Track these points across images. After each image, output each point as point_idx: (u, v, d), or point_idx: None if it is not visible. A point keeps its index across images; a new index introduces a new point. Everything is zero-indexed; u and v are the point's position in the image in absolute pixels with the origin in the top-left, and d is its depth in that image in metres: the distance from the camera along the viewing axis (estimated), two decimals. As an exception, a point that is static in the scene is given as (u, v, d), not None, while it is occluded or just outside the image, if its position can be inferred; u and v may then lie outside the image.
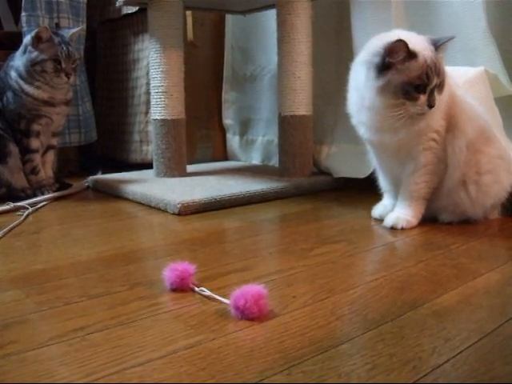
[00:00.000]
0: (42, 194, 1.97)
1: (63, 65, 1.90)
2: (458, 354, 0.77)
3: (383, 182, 1.63)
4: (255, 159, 2.66)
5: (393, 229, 1.49)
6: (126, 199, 1.94)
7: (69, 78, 1.93)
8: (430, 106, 1.37)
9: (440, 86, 1.38)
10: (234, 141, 2.77)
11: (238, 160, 2.74)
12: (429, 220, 1.53)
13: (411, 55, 1.34)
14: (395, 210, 1.54)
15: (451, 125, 1.46)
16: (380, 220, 1.57)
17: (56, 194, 2.00)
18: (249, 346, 0.80)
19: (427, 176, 1.48)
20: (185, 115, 2.15)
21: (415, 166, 1.48)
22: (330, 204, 1.84)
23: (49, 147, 2.08)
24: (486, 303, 0.96)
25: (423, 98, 1.36)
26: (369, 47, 1.43)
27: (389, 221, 1.51)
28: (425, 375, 0.71)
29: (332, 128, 2.25)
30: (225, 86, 2.76)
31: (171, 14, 2.05)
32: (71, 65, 1.93)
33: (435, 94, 1.37)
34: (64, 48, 1.90)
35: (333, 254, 1.27)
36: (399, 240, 1.40)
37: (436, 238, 1.41)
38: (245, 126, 2.71)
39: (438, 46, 1.39)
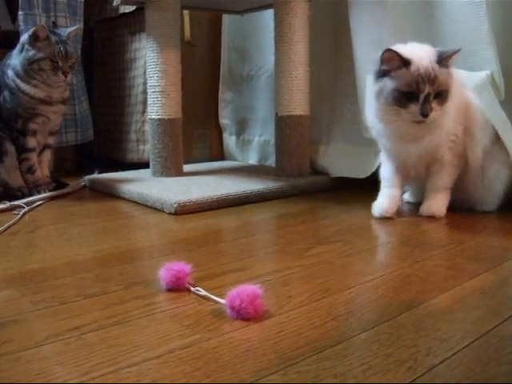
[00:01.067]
0: (39, 193, 1.97)
1: (60, 63, 1.90)
2: (454, 354, 0.77)
3: (392, 175, 1.66)
4: (252, 159, 2.66)
5: (431, 217, 1.59)
6: (123, 198, 1.94)
7: (66, 77, 1.93)
8: (423, 114, 1.41)
9: (440, 97, 1.43)
10: (230, 140, 2.77)
11: (235, 160, 2.74)
12: (425, 220, 1.54)
13: (405, 63, 1.41)
14: (428, 201, 1.63)
15: (467, 130, 1.55)
16: (380, 219, 1.59)
17: (52, 193, 1.99)
18: (244, 346, 0.80)
19: (450, 170, 1.60)
20: (181, 115, 2.15)
21: (441, 164, 1.59)
22: (326, 204, 1.85)
23: (45, 146, 2.07)
24: (481, 304, 0.96)
25: (414, 106, 1.42)
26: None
27: (426, 210, 1.61)
28: (420, 376, 0.71)
29: (329, 128, 2.25)
30: (221, 86, 2.76)
31: (168, 13, 2.06)
32: (68, 63, 1.93)
33: (431, 103, 1.42)
34: (61, 47, 1.90)
35: (329, 254, 1.27)
36: (395, 240, 1.40)
37: (432, 238, 1.41)
38: (241, 126, 2.71)
39: (442, 58, 1.43)
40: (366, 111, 1.61)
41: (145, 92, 2.41)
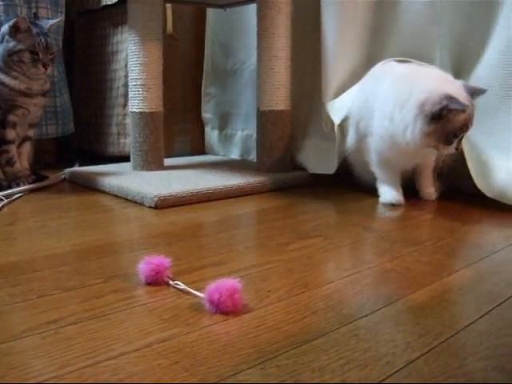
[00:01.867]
0: (18, 185, 1.95)
1: (41, 56, 1.88)
2: (431, 349, 0.77)
3: (388, 176, 1.76)
4: (234, 153, 2.65)
5: (417, 207, 1.70)
6: (103, 192, 1.93)
7: (46, 69, 1.91)
8: (457, 148, 1.55)
9: None
10: (212, 135, 2.77)
11: (216, 154, 2.74)
12: (404, 216, 1.55)
13: (463, 111, 1.48)
14: (427, 188, 1.78)
15: None
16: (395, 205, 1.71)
17: (32, 186, 1.97)
18: (223, 340, 0.80)
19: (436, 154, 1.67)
20: (163, 108, 2.15)
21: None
22: (306, 199, 1.85)
23: (25, 138, 2.05)
24: (459, 299, 0.97)
25: (455, 142, 1.52)
26: (415, 88, 1.55)
27: (430, 196, 1.78)
28: (398, 370, 0.72)
29: (304, 124, 2.25)
30: (204, 80, 2.75)
31: (151, 6, 2.04)
32: (49, 56, 1.91)
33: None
34: (42, 39, 1.88)
35: (308, 249, 1.27)
36: (374, 236, 1.41)
37: (411, 234, 1.42)
38: (224, 120, 2.70)
39: (474, 97, 1.53)
40: (379, 126, 1.66)
41: (126, 85, 2.39)
